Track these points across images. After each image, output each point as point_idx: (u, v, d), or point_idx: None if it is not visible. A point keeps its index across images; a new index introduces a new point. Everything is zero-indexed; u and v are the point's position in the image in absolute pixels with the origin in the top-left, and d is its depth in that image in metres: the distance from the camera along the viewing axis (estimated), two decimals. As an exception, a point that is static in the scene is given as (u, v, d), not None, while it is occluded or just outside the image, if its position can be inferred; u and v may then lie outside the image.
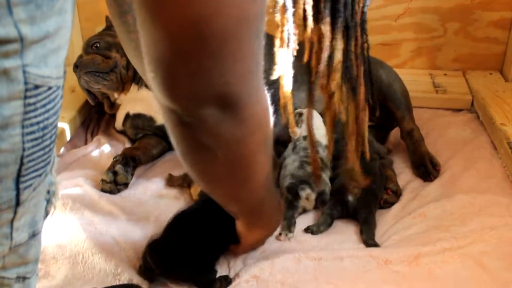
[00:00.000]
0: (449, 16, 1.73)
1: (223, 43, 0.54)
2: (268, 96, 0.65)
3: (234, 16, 0.53)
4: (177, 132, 0.66)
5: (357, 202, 1.18)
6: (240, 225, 0.95)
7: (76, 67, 1.42)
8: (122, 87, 1.48)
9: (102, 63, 1.41)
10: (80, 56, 1.46)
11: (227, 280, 1.01)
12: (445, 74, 1.77)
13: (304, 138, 1.29)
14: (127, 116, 1.48)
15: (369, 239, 1.12)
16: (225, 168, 0.69)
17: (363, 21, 0.64)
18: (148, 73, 0.60)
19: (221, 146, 0.65)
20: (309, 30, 0.62)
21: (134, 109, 1.47)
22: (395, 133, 1.49)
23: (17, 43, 0.44)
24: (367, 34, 0.67)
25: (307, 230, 1.15)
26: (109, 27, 1.52)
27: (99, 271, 1.04)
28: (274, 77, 0.62)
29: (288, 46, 0.61)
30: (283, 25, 0.60)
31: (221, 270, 1.04)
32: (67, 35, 0.50)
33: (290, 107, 0.70)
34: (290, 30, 0.60)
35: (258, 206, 0.84)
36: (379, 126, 1.50)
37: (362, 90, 0.68)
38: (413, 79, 1.68)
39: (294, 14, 0.61)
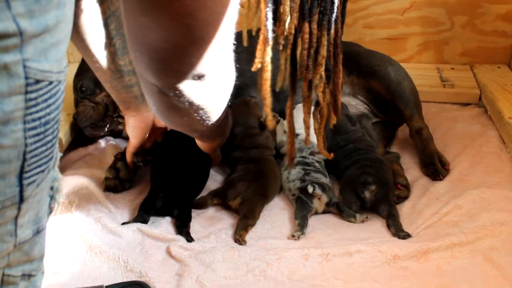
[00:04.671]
0: (456, 10, 1.71)
1: (205, 32, 0.64)
2: (234, 70, 0.80)
3: (216, 10, 0.62)
4: (155, 99, 0.79)
5: (375, 197, 1.18)
6: (199, 142, 1.19)
7: (75, 119, 1.41)
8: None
9: (93, 113, 1.39)
10: (76, 101, 1.44)
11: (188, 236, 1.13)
12: (452, 68, 1.76)
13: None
14: None
15: (399, 232, 1.12)
16: (191, 119, 0.84)
17: (343, 14, 0.70)
18: (132, 53, 0.69)
19: (192, 107, 0.79)
20: (292, 26, 0.66)
21: None
22: (403, 129, 1.48)
23: (16, 37, 0.44)
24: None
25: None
26: None
27: (107, 268, 1.04)
28: (254, 69, 0.68)
29: (267, 42, 0.66)
30: (263, 21, 0.65)
31: (229, 264, 1.04)
32: (67, 29, 0.50)
33: (268, 101, 0.72)
34: (269, 26, 0.65)
35: (212, 131, 1.04)
36: (386, 122, 1.49)
37: (340, 75, 0.75)
38: (420, 74, 1.67)
39: (277, 11, 0.65)
